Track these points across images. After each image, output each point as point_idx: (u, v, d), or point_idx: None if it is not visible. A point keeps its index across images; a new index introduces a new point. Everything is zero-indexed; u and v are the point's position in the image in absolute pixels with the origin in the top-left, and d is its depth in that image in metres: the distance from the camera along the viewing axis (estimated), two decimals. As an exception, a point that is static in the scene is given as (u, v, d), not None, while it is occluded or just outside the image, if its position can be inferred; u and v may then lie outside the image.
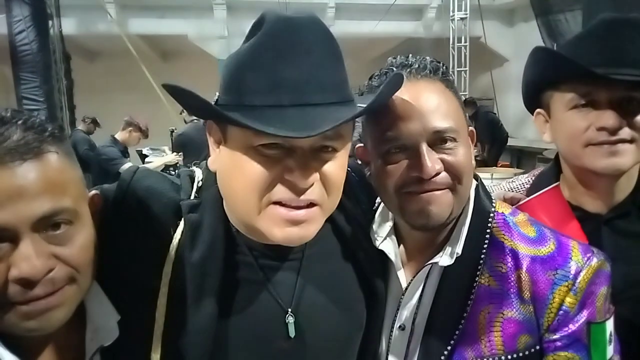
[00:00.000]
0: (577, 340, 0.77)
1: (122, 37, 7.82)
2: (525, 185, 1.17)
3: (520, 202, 1.05)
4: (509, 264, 0.81)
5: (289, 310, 0.80)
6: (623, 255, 0.94)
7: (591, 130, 0.92)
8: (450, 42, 9.17)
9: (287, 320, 0.80)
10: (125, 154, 4.91)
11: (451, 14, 9.06)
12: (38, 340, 0.69)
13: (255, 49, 0.71)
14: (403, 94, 0.80)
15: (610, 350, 0.77)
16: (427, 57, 0.86)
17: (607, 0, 4.67)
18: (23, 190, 0.61)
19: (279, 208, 0.71)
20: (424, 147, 0.79)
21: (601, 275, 0.79)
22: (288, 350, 0.80)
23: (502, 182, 1.23)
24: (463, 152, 0.81)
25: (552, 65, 0.98)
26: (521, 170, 6.64)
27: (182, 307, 0.74)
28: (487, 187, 0.92)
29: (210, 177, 0.82)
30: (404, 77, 0.79)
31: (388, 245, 0.91)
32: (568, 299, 0.77)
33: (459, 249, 0.82)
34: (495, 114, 8.08)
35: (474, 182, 0.89)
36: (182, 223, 0.78)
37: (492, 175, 5.43)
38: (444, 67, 0.86)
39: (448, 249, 0.84)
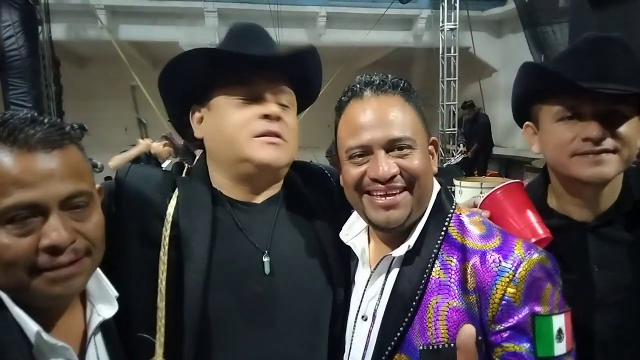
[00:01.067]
0: (521, 331, 0.80)
1: (113, 43, 7.80)
2: None
3: (481, 201, 1.09)
4: (458, 257, 0.89)
5: (265, 251, 0.98)
6: (608, 261, 0.98)
7: (577, 140, 0.96)
8: (440, 52, 9.25)
9: (263, 259, 0.97)
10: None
11: (441, 24, 9.16)
12: (49, 316, 0.78)
13: (223, 42, 1.05)
14: (365, 107, 0.93)
15: (559, 347, 0.79)
16: (389, 75, 0.97)
17: (591, 13, 4.77)
18: (53, 174, 0.73)
19: (258, 139, 0.96)
20: (381, 152, 0.90)
21: (542, 270, 0.83)
22: (265, 287, 0.96)
23: (480, 195, 1.26)
24: (419, 158, 0.92)
25: (540, 79, 1.02)
26: (509, 180, 6.72)
27: (179, 256, 0.92)
28: (450, 192, 1.01)
29: (196, 164, 1.06)
30: (364, 91, 0.94)
31: (358, 241, 1.02)
32: (509, 290, 0.82)
33: (411, 242, 0.91)
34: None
35: (437, 187, 0.98)
36: (174, 196, 0.98)
37: (481, 184, 5.48)
38: (405, 84, 0.96)
39: (405, 244, 0.92)
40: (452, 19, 9.03)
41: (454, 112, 9.30)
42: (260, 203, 1.04)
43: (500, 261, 0.84)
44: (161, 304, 0.91)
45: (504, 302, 0.82)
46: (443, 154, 9.64)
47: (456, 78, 9.21)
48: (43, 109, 6.43)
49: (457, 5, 8.97)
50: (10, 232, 0.71)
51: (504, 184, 1.08)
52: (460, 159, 8.22)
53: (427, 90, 11.07)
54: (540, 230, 0.99)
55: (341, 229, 1.04)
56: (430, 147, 0.99)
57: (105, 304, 0.85)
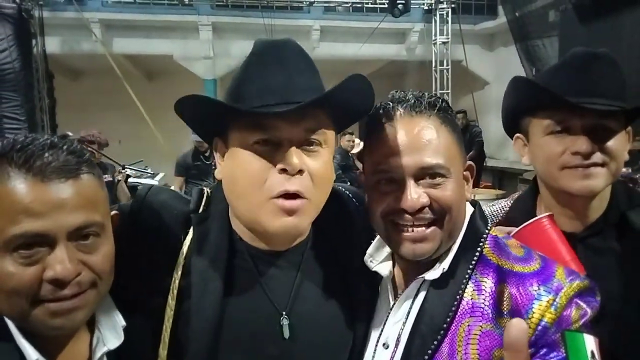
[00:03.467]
0: (550, 347, 0.76)
1: (107, 56, 7.82)
2: (505, 209, 1.20)
3: (512, 232, 1.07)
4: (493, 279, 0.82)
5: (284, 312, 0.87)
6: (597, 271, 0.97)
7: (567, 154, 0.97)
8: (433, 65, 9.35)
9: (281, 322, 0.87)
10: None
11: (433, 38, 9.27)
12: (53, 343, 0.77)
13: (247, 65, 0.85)
14: (398, 128, 0.85)
15: None
16: (426, 93, 0.89)
17: (581, 28, 4.86)
18: (64, 204, 0.71)
19: (276, 201, 0.81)
20: (410, 181, 0.82)
21: (581, 295, 0.79)
22: (283, 352, 0.86)
23: (483, 205, 1.25)
24: (452, 188, 0.83)
25: (530, 94, 1.03)
26: (502, 192, 6.75)
27: (187, 307, 0.83)
28: (484, 212, 0.95)
29: (218, 194, 0.91)
30: (398, 109, 0.85)
31: (384, 267, 0.94)
32: (548, 315, 0.76)
33: (445, 265, 0.85)
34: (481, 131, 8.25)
35: (471, 209, 0.92)
36: (190, 232, 0.88)
37: (474, 196, 5.50)
38: (443, 104, 0.87)
39: (438, 266, 0.86)
40: (445, 33, 9.15)
41: (447, 124, 9.37)
42: (284, 251, 0.91)
43: (540, 285, 0.79)
44: (163, 352, 0.84)
45: (540, 327, 0.76)
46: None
47: (449, 91, 9.29)
48: (36, 121, 6.42)
49: (449, 19, 9.09)
50: (16, 260, 0.70)
51: (530, 222, 1.02)
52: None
53: (420, 103, 11.19)
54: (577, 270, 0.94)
55: (364, 255, 0.96)
56: (466, 173, 0.91)
57: (112, 333, 0.82)
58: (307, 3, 9.00)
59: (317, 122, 0.83)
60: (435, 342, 0.81)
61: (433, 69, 9.33)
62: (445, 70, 9.25)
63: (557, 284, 0.79)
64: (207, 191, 0.94)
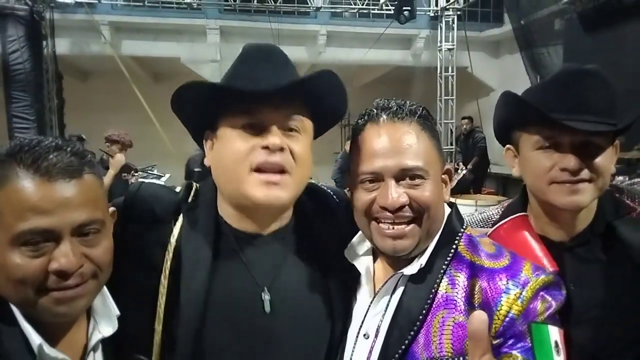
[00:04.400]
0: (518, 338, 0.81)
1: (115, 58, 7.91)
2: (495, 217, 1.23)
3: (488, 232, 1.11)
4: (466, 274, 0.89)
5: (265, 289, 0.95)
6: (583, 279, 1.01)
7: (555, 170, 0.99)
8: (438, 72, 9.39)
9: (263, 298, 0.94)
10: None
11: (439, 44, 9.31)
12: (54, 330, 0.82)
13: (237, 64, 0.98)
14: (380, 133, 0.92)
15: (558, 359, 0.81)
16: (408, 102, 0.96)
17: (586, 37, 4.89)
18: (68, 202, 0.77)
19: (259, 174, 0.90)
20: (391, 181, 0.89)
21: (547, 289, 0.85)
22: (264, 326, 0.94)
23: (475, 212, 1.29)
24: (430, 189, 0.90)
25: (519, 110, 1.06)
26: (506, 198, 6.76)
27: (178, 285, 0.91)
28: (460, 213, 1.01)
29: (205, 186, 1.02)
30: (381, 116, 0.92)
31: (363, 261, 1.00)
32: (515, 307, 0.83)
33: (423, 261, 0.91)
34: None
35: (448, 210, 0.99)
36: (180, 219, 0.97)
37: (476, 202, 5.54)
38: (423, 111, 0.95)
39: (416, 262, 0.92)
40: (450, 39, 9.19)
41: (451, 130, 9.40)
42: (266, 235, 0.99)
43: (508, 280, 0.85)
44: (159, 327, 0.91)
45: (507, 318, 0.82)
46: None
47: (454, 97, 9.34)
48: (45, 121, 6.50)
49: (455, 26, 9.13)
50: (23, 253, 0.75)
51: (509, 219, 1.10)
52: (461, 176, 8.23)
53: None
54: (550, 268, 1.00)
55: (344, 246, 1.04)
56: (444, 176, 0.97)
57: (107, 322, 0.87)
58: (314, 8, 9.07)
59: (295, 109, 0.94)
60: (412, 333, 0.87)
61: (438, 75, 9.37)
62: (450, 77, 9.29)
63: (524, 278, 0.85)
64: (196, 185, 1.03)
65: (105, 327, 0.87)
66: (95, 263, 0.80)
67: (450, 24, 9.15)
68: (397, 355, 0.87)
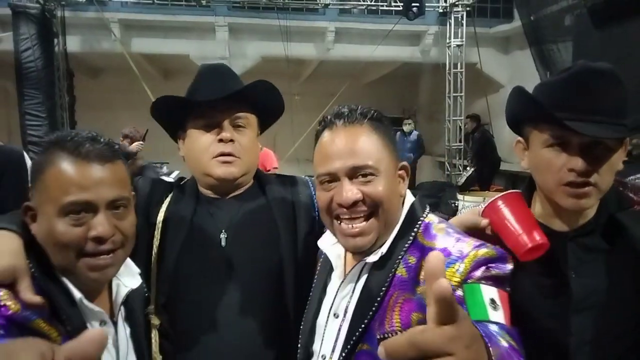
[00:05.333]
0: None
1: (125, 55, 7.98)
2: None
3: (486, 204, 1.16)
4: (417, 256, 0.96)
5: (223, 230, 1.26)
6: (585, 267, 1.03)
7: (563, 170, 1.00)
8: (447, 68, 9.34)
9: (220, 236, 1.26)
10: None
11: (447, 41, 9.26)
12: (89, 289, 0.97)
13: (196, 79, 1.31)
14: (334, 137, 1.01)
15: (495, 315, 0.83)
16: (360, 106, 1.04)
17: (596, 33, 4.84)
18: (104, 181, 0.93)
19: (216, 159, 1.24)
20: (345, 180, 0.98)
21: (486, 262, 0.89)
22: (222, 255, 1.24)
23: (482, 203, 1.31)
24: (382, 184, 0.98)
25: (529, 107, 1.07)
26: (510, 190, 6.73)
27: (167, 234, 1.25)
28: (424, 203, 1.08)
29: (190, 177, 1.38)
30: (335, 122, 1.02)
31: (334, 250, 1.10)
32: (454, 279, 0.88)
33: (384, 249, 1.00)
34: (492, 135, 8.21)
35: (412, 199, 1.07)
36: (170, 195, 1.32)
37: (484, 199, 5.53)
38: (375, 114, 1.03)
39: (378, 251, 1.00)
40: (459, 36, 9.14)
41: (460, 127, 9.36)
42: (228, 198, 1.32)
43: (449, 255, 0.91)
44: (154, 266, 1.22)
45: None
46: (450, 169, 9.69)
47: (462, 93, 9.29)
48: (57, 118, 6.58)
49: (464, 22, 9.08)
50: (67, 222, 0.90)
51: (505, 193, 1.14)
52: (469, 173, 8.21)
53: (433, 105, 11.15)
54: (538, 237, 1.03)
55: (309, 228, 1.28)
56: (401, 172, 1.04)
57: (129, 278, 1.07)
58: (323, 5, 9.06)
59: (240, 110, 1.27)
60: (371, 313, 0.96)
61: (447, 71, 9.33)
62: (459, 73, 9.24)
63: (464, 252, 0.90)
64: (184, 176, 1.41)
65: (129, 281, 1.06)
66: (124, 233, 0.96)
67: (459, 20, 9.09)
68: (358, 333, 0.96)
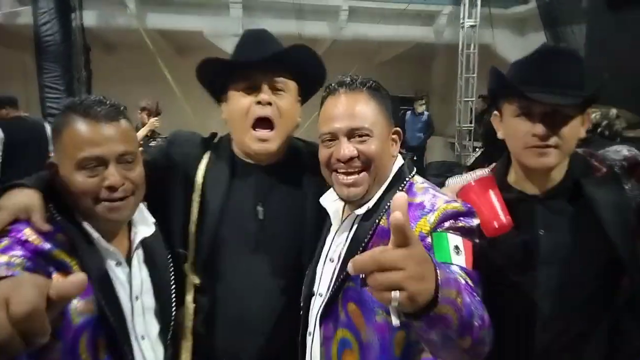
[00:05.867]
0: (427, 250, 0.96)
1: (141, 31, 8.07)
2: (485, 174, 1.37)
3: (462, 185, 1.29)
4: None
5: (260, 202, 1.35)
6: (552, 226, 1.18)
7: (528, 135, 1.15)
8: (460, 49, 9.28)
9: (257, 208, 1.35)
10: None
11: (461, 21, 9.19)
12: (107, 234, 1.13)
13: (239, 42, 1.38)
14: (336, 102, 1.15)
15: (457, 258, 0.97)
16: (360, 77, 1.18)
17: (610, 15, 4.83)
18: (113, 137, 1.07)
19: (255, 132, 1.31)
20: (344, 139, 1.12)
21: (454, 214, 1.02)
22: (258, 227, 1.35)
23: (470, 172, 1.43)
24: (375, 144, 1.12)
25: (501, 83, 1.22)
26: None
27: (206, 197, 1.34)
28: (412, 165, 1.22)
29: (223, 135, 1.46)
30: (338, 89, 1.16)
31: (333, 205, 1.25)
32: (424, 228, 1.03)
33: (370, 204, 1.14)
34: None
35: (401, 161, 1.20)
36: (207, 155, 1.39)
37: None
38: (373, 84, 1.17)
39: (365, 206, 1.15)
40: (473, 16, 9.06)
41: (471, 108, 9.35)
42: (265, 165, 1.38)
43: (423, 208, 1.06)
44: (192, 228, 1.34)
45: (419, 234, 1.02)
46: (460, 150, 9.72)
47: (474, 74, 9.25)
48: (74, 92, 6.72)
49: (479, 2, 8.98)
50: (83, 174, 1.06)
51: (477, 179, 1.27)
52: (479, 154, 8.24)
53: (446, 86, 11.10)
54: (497, 224, 1.17)
55: (322, 191, 1.31)
56: (394, 136, 1.19)
57: (144, 227, 1.21)
58: (337, -17, 9.01)
59: (280, 74, 1.32)
60: (358, 254, 1.06)
61: (459, 52, 9.27)
62: (471, 54, 9.19)
63: (435, 206, 1.04)
64: (219, 134, 1.48)
65: (144, 230, 1.20)
66: (133, 182, 1.11)
67: (474, 0, 9.00)
68: (345, 273, 1.11)
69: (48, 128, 5.05)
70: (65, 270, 1.00)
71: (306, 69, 1.36)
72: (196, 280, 1.33)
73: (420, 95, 9.78)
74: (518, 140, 1.18)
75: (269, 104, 1.28)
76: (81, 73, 6.99)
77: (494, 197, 1.20)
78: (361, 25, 9.49)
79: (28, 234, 0.99)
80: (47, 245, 1.00)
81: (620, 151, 1.20)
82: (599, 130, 2.56)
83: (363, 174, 1.12)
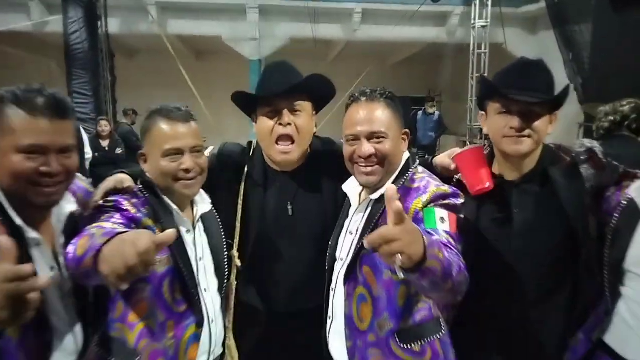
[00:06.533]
0: (417, 220, 1.25)
1: (162, 36, 8.40)
2: None
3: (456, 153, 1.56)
4: (401, 194, 1.30)
5: (289, 201, 1.67)
6: (525, 206, 1.45)
7: (506, 128, 1.41)
8: (471, 49, 9.43)
9: (288, 207, 1.67)
10: None
11: (472, 21, 9.33)
12: (181, 205, 1.44)
13: (263, 74, 1.69)
14: (359, 109, 1.41)
15: (441, 225, 1.24)
16: (379, 88, 1.43)
17: (615, 16, 4.98)
18: (186, 134, 1.40)
19: (278, 146, 1.60)
20: (364, 140, 1.38)
21: (441, 195, 1.29)
22: (290, 222, 1.66)
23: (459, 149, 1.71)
24: (389, 144, 1.38)
25: (486, 88, 1.50)
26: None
27: (247, 199, 1.67)
28: (416, 159, 1.48)
29: (258, 145, 1.74)
30: (360, 99, 1.42)
31: (354, 191, 1.53)
32: (418, 205, 1.29)
33: (382, 190, 1.36)
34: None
35: (407, 155, 1.45)
36: (246, 167, 1.71)
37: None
38: (389, 94, 1.43)
39: (379, 192, 1.39)
40: (484, 16, 9.19)
41: (483, 107, 9.44)
42: (290, 171, 1.70)
43: (419, 191, 1.32)
44: (238, 224, 1.67)
45: (414, 211, 1.28)
46: (472, 148, 9.82)
47: (486, 74, 9.37)
48: (101, 97, 7.09)
49: (490, 2, 9.11)
50: (166, 161, 1.38)
51: (471, 147, 1.55)
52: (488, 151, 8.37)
53: (458, 86, 11.23)
54: (478, 186, 1.45)
55: (337, 183, 1.60)
56: (404, 136, 1.44)
57: (203, 205, 1.52)
58: (350, -14, 9.21)
59: (298, 98, 1.60)
60: (370, 228, 1.35)
61: (471, 52, 9.41)
62: (482, 54, 9.32)
63: (427, 189, 1.31)
64: (253, 142, 1.77)
65: (203, 207, 1.51)
66: (201, 167, 1.42)
67: (485, 0, 9.14)
68: (362, 244, 1.32)
69: (83, 132, 5.37)
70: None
71: (319, 92, 1.66)
72: (239, 263, 1.66)
73: (431, 97, 9.94)
74: (499, 132, 1.44)
75: (289, 124, 1.58)
76: (107, 79, 7.37)
77: (480, 166, 1.48)
78: (374, 27, 9.70)
79: (126, 205, 1.31)
80: (139, 215, 1.31)
81: (583, 144, 1.45)
82: (626, 123, 2.53)
83: (377, 166, 1.38)
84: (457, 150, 1.58)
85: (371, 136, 1.37)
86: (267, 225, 1.66)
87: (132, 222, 1.28)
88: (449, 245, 1.16)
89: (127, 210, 1.30)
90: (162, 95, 9.57)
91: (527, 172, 1.47)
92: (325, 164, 1.70)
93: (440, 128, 9.24)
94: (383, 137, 1.37)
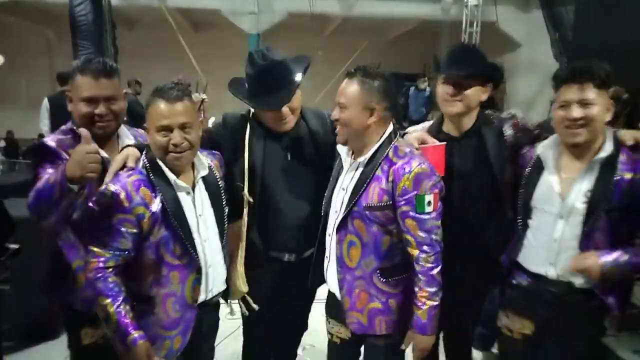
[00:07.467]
0: (409, 202, 1.57)
1: (162, 8, 8.51)
2: (426, 127, 2.04)
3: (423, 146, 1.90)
4: (388, 165, 1.63)
5: (287, 148, 1.96)
6: (463, 155, 1.88)
7: (444, 94, 1.85)
8: (463, 27, 9.61)
9: (286, 154, 1.96)
10: None
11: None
12: (179, 173, 1.62)
13: (250, 84, 1.93)
14: (342, 83, 1.68)
15: (429, 209, 1.57)
16: (371, 65, 1.69)
17: (595, -1, 5.22)
18: (177, 112, 1.54)
19: (279, 123, 1.92)
20: (337, 107, 1.67)
21: (423, 174, 1.57)
22: (287, 166, 1.96)
23: (421, 125, 2.14)
24: (349, 114, 1.64)
25: (435, 65, 1.96)
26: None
27: (252, 153, 1.93)
28: (398, 133, 1.73)
29: (255, 111, 2.01)
30: (348, 75, 1.68)
31: (345, 151, 1.78)
32: (407, 182, 1.57)
33: (367, 156, 1.67)
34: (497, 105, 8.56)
35: (391, 128, 1.69)
36: (248, 127, 1.97)
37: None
38: (367, 72, 1.65)
39: (364, 156, 1.68)
40: (478, -6, 9.34)
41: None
42: (284, 132, 1.97)
43: (404, 168, 1.58)
44: (246, 170, 1.93)
45: (403, 188, 1.57)
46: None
47: (478, 52, 9.55)
48: (104, 68, 7.22)
49: (483, -20, 9.26)
50: (160, 135, 1.54)
51: (435, 145, 1.85)
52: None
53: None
54: (440, 173, 1.71)
55: (329, 148, 1.91)
56: (370, 110, 1.63)
57: (202, 169, 1.69)
58: (348, -39, 9.30)
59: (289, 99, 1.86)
60: (361, 190, 1.64)
61: (462, 30, 9.59)
62: (474, 32, 9.52)
63: (412, 167, 1.58)
64: (250, 110, 2.02)
65: (203, 171, 1.69)
66: (190, 142, 1.57)
67: (479, -22, 9.28)
68: (354, 202, 1.65)
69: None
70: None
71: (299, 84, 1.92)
72: (250, 199, 1.94)
73: (423, 73, 10.19)
74: (440, 97, 1.88)
75: (287, 113, 1.89)
76: (110, 50, 7.51)
77: (440, 159, 1.82)
78: (371, 3, 9.82)
79: (122, 196, 1.51)
80: (131, 205, 1.53)
81: (510, 112, 1.91)
82: None
83: (341, 128, 1.68)
84: (427, 138, 1.90)
85: (339, 105, 1.67)
86: (269, 169, 1.94)
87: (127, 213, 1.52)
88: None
89: (121, 205, 1.52)
90: (160, 67, 9.76)
91: (466, 130, 1.90)
92: (314, 125, 2.02)
93: (430, 103, 9.53)
94: (345, 107, 1.64)
